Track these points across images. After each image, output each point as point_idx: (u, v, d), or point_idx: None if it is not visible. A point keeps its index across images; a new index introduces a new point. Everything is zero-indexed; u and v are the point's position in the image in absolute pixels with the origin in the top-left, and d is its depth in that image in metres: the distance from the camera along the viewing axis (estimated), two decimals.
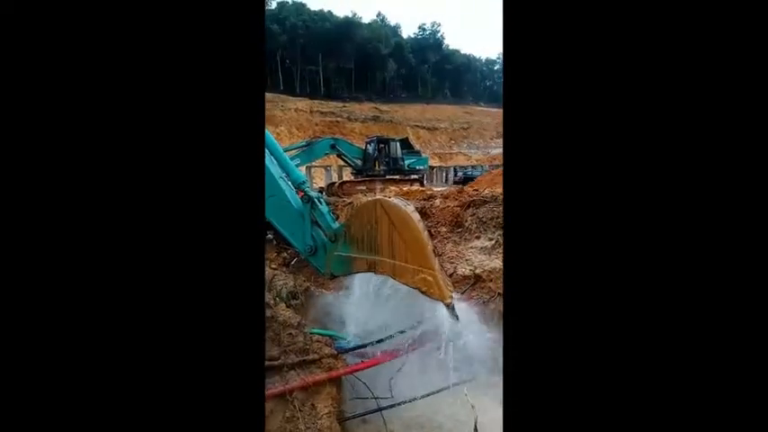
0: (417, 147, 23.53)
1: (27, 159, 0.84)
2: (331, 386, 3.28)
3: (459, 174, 22.77)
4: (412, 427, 3.05)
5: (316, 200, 3.65)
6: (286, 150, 13.67)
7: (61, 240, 0.84)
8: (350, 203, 7.38)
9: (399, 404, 3.10)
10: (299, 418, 3.03)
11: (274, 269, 4.61)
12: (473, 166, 24.28)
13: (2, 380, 0.76)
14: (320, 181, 17.51)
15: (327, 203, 5.59)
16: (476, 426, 2.38)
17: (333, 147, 14.16)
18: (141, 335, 0.85)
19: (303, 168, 16.68)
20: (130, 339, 0.84)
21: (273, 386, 3.05)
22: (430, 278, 3.15)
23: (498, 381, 3.15)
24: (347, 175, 16.39)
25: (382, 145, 15.18)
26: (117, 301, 0.85)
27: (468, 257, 4.65)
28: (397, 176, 14.48)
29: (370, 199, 3.47)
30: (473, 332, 3.20)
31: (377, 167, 14.72)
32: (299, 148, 13.68)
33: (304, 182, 3.69)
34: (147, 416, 0.82)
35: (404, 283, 3.20)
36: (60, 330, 0.80)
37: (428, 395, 3.10)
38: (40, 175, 0.85)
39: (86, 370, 0.81)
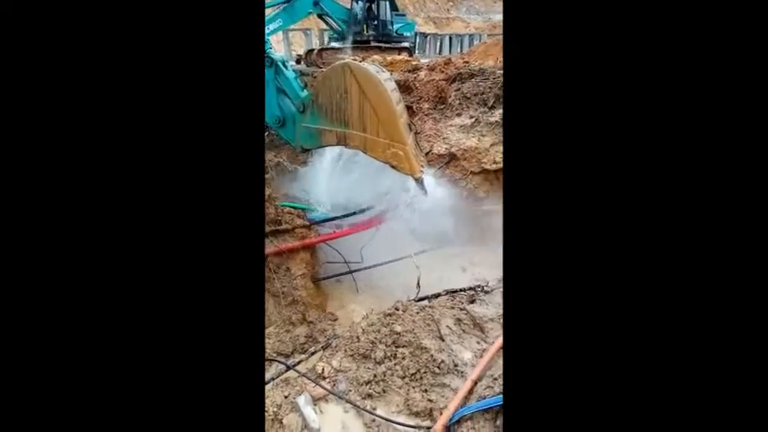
0: (403, 9, 20.06)
1: (23, 159, 0.89)
2: (305, 252, 3.52)
3: None
4: (374, 286, 3.40)
5: (280, 63, 3.27)
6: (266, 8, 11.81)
7: (59, 233, 0.89)
8: None
9: (367, 268, 3.39)
10: (275, 278, 3.32)
11: None
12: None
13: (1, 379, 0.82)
14: (299, 49, 15.45)
15: (300, 73, 5.06)
16: (418, 281, 2.81)
17: (316, 4, 12.19)
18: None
19: (282, 34, 14.65)
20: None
21: None
22: (401, 152, 3.08)
23: (452, 251, 3.43)
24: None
25: (370, 4, 13.14)
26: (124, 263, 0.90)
27: (446, 135, 4.50)
28: (384, 44, 12.97)
29: (337, 63, 3.11)
30: (439, 206, 3.31)
31: (365, 32, 13.01)
32: (279, 4, 11.74)
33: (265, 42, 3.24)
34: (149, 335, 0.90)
35: (375, 158, 3.15)
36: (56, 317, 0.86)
37: (392, 261, 3.37)
38: (39, 175, 0.89)
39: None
